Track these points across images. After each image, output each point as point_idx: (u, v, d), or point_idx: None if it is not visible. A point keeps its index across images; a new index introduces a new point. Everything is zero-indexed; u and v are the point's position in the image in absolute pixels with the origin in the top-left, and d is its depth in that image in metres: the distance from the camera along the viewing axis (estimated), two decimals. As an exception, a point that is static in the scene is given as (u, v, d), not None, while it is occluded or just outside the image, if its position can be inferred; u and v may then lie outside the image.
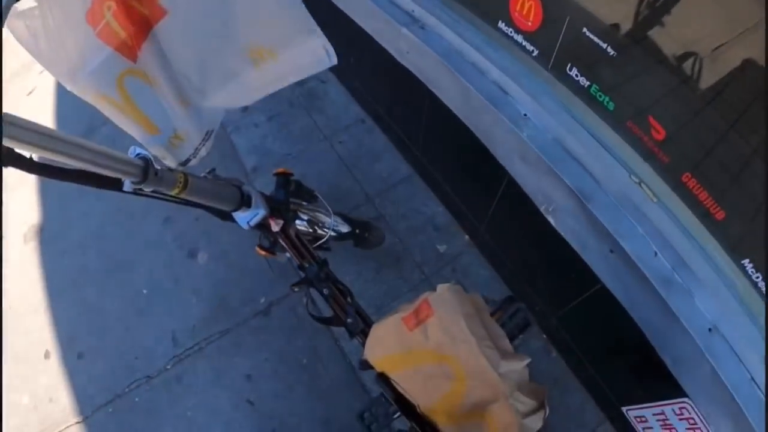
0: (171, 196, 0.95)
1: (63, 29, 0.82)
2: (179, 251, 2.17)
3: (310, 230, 1.45)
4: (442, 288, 0.88)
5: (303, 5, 0.84)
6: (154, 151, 0.97)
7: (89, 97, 0.92)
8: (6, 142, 0.62)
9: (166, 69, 0.90)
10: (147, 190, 0.90)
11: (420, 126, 1.90)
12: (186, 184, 0.95)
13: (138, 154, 0.88)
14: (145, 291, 2.10)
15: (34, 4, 0.76)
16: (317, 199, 1.46)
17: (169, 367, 1.91)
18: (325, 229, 1.52)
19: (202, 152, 1.04)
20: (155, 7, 0.83)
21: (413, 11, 1.56)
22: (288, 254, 1.25)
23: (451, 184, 1.96)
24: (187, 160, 1.03)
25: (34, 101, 3.56)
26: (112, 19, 0.83)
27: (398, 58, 1.63)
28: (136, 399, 1.87)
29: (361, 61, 1.96)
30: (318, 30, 0.85)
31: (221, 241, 2.15)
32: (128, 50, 0.87)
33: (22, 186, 2.93)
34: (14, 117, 0.63)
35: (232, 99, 1.00)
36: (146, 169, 0.85)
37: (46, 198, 2.80)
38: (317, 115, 2.38)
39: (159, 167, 0.88)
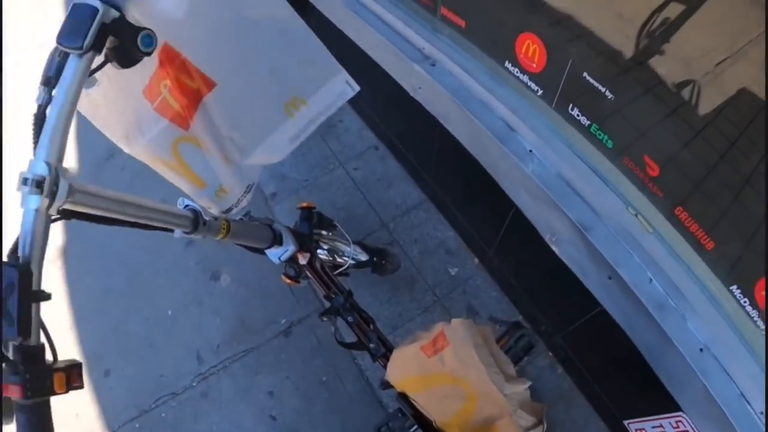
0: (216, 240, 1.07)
1: (122, 102, 0.92)
2: (202, 274, 2.26)
3: (330, 258, 1.54)
4: (456, 322, 1.02)
5: (327, 50, 0.94)
6: (202, 202, 1.08)
7: (145, 158, 1.03)
8: (74, 206, 0.70)
9: (214, 133, 1.00)
10: (195, 237, 1.02)
11: (432, 154, 1.98)
12: (228, 229, 1.07)
13: (187, 206, 1.01)
14: (169, 312, 2.19)
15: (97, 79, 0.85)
16: (337, 228, 1.55)
17: (194, 384, 1.99)
18: (345, 258, 1.60)
19: (243, 203, 1.15)
20: (205, 80, 0.93)
21: (424, 48, 1.63)
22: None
23: (461, 210, 2.04)
24: (230, 209, 1.14)
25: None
26: (168, 95, 0.92)
27: (410, 93, 1.70)
28: (163, 414, 1.95)
29: (375, 91, 2.02)
30: (341, 67, 0.96)
31: (243, 264, 2.22)
32: (182, 120, 0.96)
33: None
34: (82, 185, 0.70)
35: (270, 155, 1.10)
36: (196, 220, 0.97)
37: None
38: (332, 142, 2.47)
39: (207, 218, 0.99)
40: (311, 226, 1.41)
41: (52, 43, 0.72)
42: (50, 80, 0.71)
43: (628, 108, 1.08)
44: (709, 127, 0.91)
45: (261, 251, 1.30)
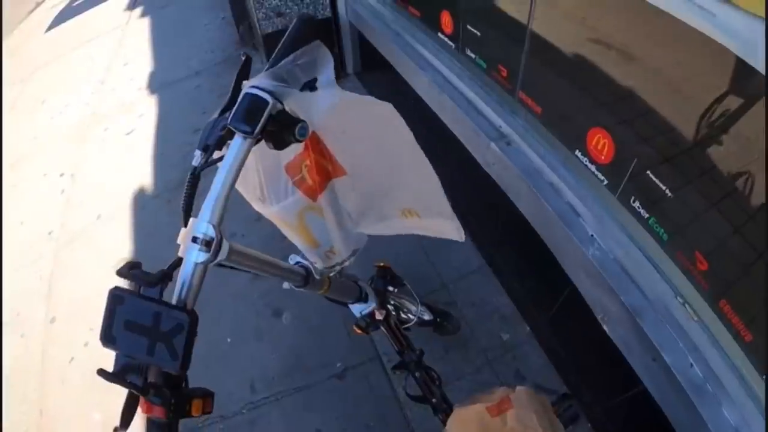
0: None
1: (264, 171, 1.06)
2: (265, 308, 2.42)
3: (395, 314, 1.64)
4: (521, 389, 1.15)
5: (448, 202, 1.07)
6: (311, 258, 1.21)
7: (272, 218, 1.17)
8: (225, 262, 0.79)
9: (335, 207, 1.14)
10: (301, 290, 1.15)
11: (496, 224, 2.13)
12: (330, 285, 1.22)
13: (297, 263, 1.15)
14: (229, 339, 2.36)
15: None
16: (405, 287, 1.67)
17: (244, 411, 2.13)
18: (411, 316, 1.74)
19: (347, 263, 1.28)
20: (338, 168, 1.08)
21: (501, 127, 1.79)
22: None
23: (519, 280, 2.16)
24: (333, 268, 1.27)
25: (131, 141, 4.08)
26: (306, 173, 1.07)
27: (483, 167, 1.86)
28: None
29: (446, 157, 2.19)
30: (454, 216, 1.09)
31: (305, 305, 2.38)
32: (312, 193, 1.09)
33: (119, 219, 3.30)
34: (237, 246, 0.81)
35: (379, 233, 1.24)
36: (307, 276, 1.13)
37: (138, 235, 3.16)
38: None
39: (317, 276, 1.15)
40: (385, 284, 1.54)
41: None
42: (208, 147, 0.83)
43: (684, 207, 1.17)
44: (756, 227, 1.01)
45: (345, 304, 1.43)
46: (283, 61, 0.87)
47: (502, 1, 1.72)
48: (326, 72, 0.92)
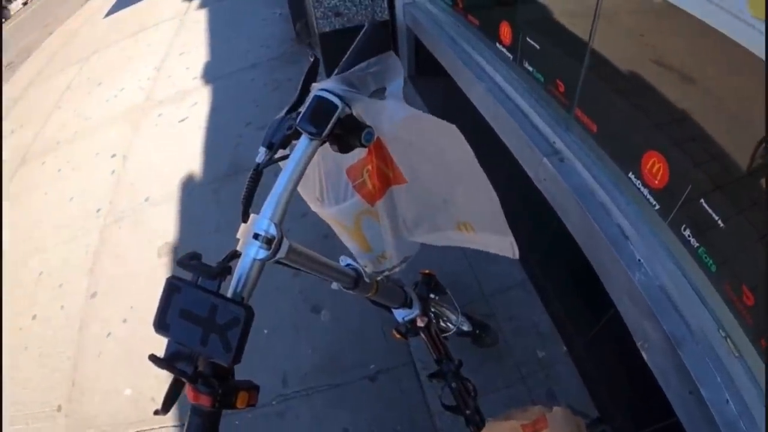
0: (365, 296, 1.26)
1: (325, 173, 1.11)
2: (304, 304, 2.51)
3: (434, 322, 1.65)
4: (557, 409, 1.16)
5: (503, 218, 1.08)
6: (362, 262, 1.26)
7: (328, 220, 1.21)
8: (282, 260, 0.81)
9: (391, 213, 1.18)
10: (350, 292, 1.18)
11: (542, 239, 2.14)
12: (378, 289, 1.27)
13: (348, 265, 1.18)
14: (265, 331, 2.45)
15: None
16: (447, 295, 1.70)
17: (274, 402, 2.21)
18: (450, 325, 1.76)
19: (396, 270, 1.31)
20: (399, 176, 1.10)
21: (555, 143, 1.80)
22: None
23: (560, 298, 2.17)
24: (382, 272, 1.30)
25: (184, 128, 4.24)
26: (367, 178, 1.10)
27: (534, 181, 1.87)
28: (236, 422, 2.17)
29: (496, 168, 2.13)
30: (510, 233, 1.12)
31: (344, 305, 2.45)
32: (370, 197, 1.13)
33: (166, 203, 3.42)
34: (296, 245, 0.83)
35: (431, 241, 1.27)
36: (358, 279, 1.16)
37: (183, 221, 3.29)
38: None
39: (368, 280, 1.19)
40: (428, 291, 1.57)
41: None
42: (273, 145, 0.85)
43: (735, 238, 1.17)
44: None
45: (388, 308, 1.47)
46: (355, 68, 0.90)
47: (564, 15, 1.73)
48: (396, 83, 0.97)
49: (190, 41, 6.08)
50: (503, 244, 1.18)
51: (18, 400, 2.77)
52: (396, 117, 0.91)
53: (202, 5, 7.19)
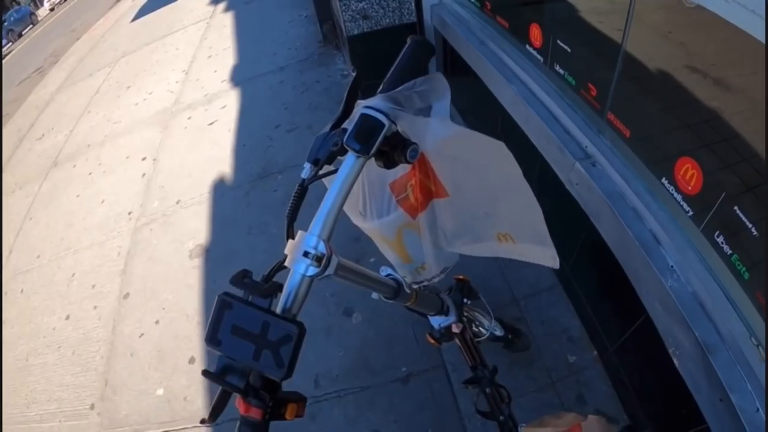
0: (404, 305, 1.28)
1: (368, 187, 1.15)
2: (336, 307, 2.56)
3: (468, 328, 1.65)
4: (592, 418, 1.21)
5: (546, 228, 1.11)
6: (402, 272, 1.28)
7: (369, 233, 1.25)
8: (334, 277, 0.83)
9: (432, 226, 1.21)
10: (390, 301, 1.18)
11: (573, 244, 2.14)
12: (416, 298, 1.24)
13: (389, 275, 1.17)
14: None
15: None
16: (480, 300, 1.71)
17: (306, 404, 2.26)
18: (483, 330, 1.79)
19: (435, 280, 1.35)
20: (441, 190, 1.14)
21: (587, 147, 1.81)
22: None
23: (591, 303, 2.18)
24: (422, 282, 1.34)
25: (214, 131, 4.34)
26: (410, 192, 1.14)
27: (566, 185, 1.88)
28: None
29: (528, 173, 2.19)
30: (551, 244, 1.13)
31: (376, 308, 2.49)
32: (413, 211, 1.17)
33: (197, 205, 3.51)
34: (344, 261, 0.84)
35: (471, 252, 1.30)
36: (398, 290, 1.15)
37: (215, 224, 3.37)
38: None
39: (408, 291, 1.18)
40: (462, 297, 1.55)
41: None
42: (318, 161, 0.87)
43: None
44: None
45: (425, 315, 1.48)
46: (402, 86, 0.93)
47: (596, 18, 1.74)
48: (443, 102, 0.99)
49: (217, 44, 6.21)
50: (544, 255, 1.19)
51: (51, 398, 2.88)
52: (442, 134, 0.95)
53: (228, 8, 7.32)
